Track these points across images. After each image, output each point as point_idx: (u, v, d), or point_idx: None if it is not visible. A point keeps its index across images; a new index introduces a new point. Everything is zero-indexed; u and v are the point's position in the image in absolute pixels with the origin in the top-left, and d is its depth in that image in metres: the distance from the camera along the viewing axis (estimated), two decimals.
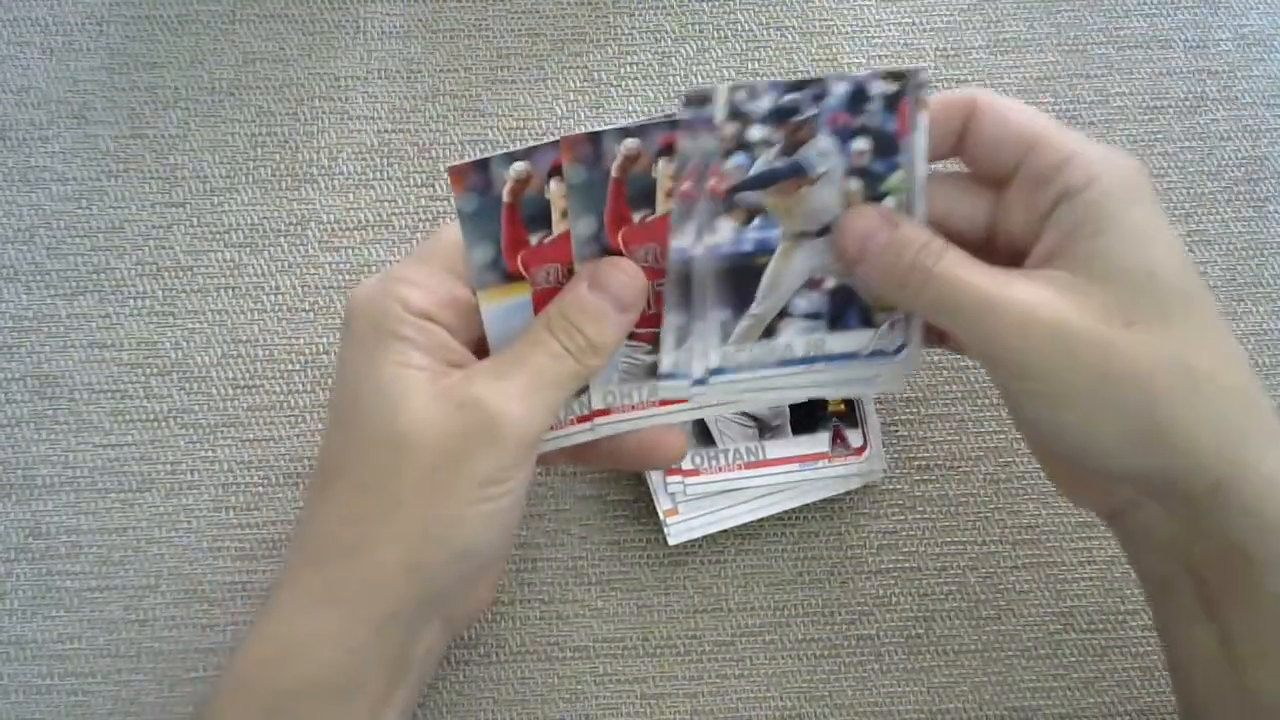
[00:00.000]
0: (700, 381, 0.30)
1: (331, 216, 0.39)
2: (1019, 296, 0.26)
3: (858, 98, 0.28)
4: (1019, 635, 0.36)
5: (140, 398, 0.37)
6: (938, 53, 0.42)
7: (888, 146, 0.29)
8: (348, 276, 0.39)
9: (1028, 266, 0.27)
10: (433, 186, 0.40)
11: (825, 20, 0.42)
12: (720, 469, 0.35)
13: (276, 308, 0.38)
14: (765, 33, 0.42)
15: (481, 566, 0.30)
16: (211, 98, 0.40)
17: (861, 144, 0.29)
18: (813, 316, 0.30)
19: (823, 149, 0.28)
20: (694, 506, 0.35)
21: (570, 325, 0.28)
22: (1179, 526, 0.27)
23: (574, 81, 0.41)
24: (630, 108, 0.41)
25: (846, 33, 0.42)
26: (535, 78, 0.41)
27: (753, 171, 0.28)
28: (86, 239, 0.39)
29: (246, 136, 0.40)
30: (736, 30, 0.42)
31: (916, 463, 0.37)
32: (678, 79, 0.41)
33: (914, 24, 0.42)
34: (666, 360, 0.30)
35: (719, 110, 0.27)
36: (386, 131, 0.40)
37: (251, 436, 0.37)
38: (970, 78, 0.41)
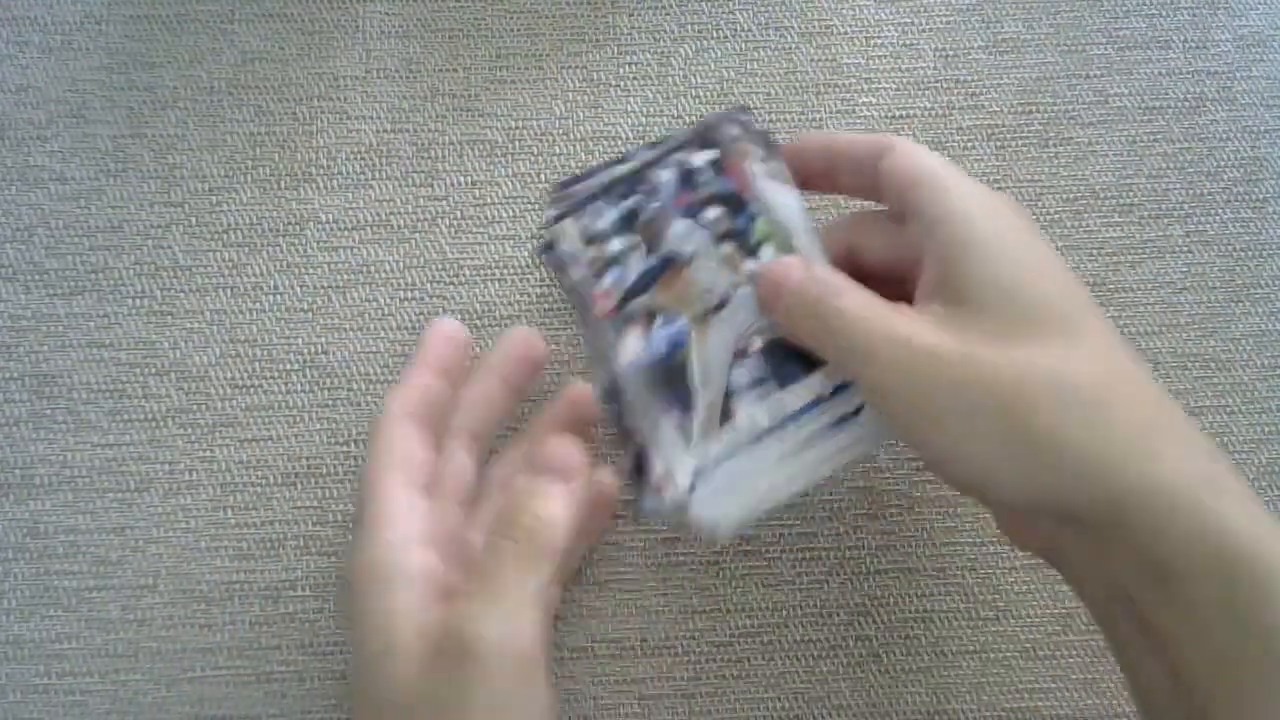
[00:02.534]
0: (692, 489, 0.28)
1: (330, 216, 0.39)
2: (900, 331, 0.26)
3: (687, 178, 0.29)
4: (1018, 636, 0.36)
5: (138, 397, 0.37)
6: (937, 53, 0.42)
7: (736, 204, 0.29)
8: (346, 276, 0.39)
9: (916, 300, 0.28)
10: (431, 186, 0.40)
11: (825, 20, 0.42)
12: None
13: (275, 307, 0.38)
14: (765, 33, 0.42)
15: None
16: (210, 97, 0.40)
17: (712, 212, 0.29)
18: (759, 382, 0.29)
19: (681, 232, 0.29)
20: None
21: (516, 512, 0.28)
22: (1098, 551, 0.26)
23: (573, 81, 0.41)
24: (629, 107, 0.41)
25: (846, 33, 0.42)
26: (534, 78, 0.41)
27: (630, 281, 0.29)
28: (85, 238, 0.39)
29: (245, 136, 0.40)
30: (736, 30, 0.42)
31: (915, 463, 0.37)
32: (677, 79, 0.41)
33: (913, 24, 0.42)
34: (646, 497, 0.29)
35: (574, 243, 0.28)
36: (385, 131, 0.40)
37: (250, 436, 0.37)
38: (970, 78, 0.41)
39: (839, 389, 0.29)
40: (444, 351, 0.33)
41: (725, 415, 0.28)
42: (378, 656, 0.27)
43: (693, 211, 0.29)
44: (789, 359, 0.29)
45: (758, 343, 0.29)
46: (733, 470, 0.28)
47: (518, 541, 0.27)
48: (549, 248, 0.29)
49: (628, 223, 0.29)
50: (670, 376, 0.29)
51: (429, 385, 0.32)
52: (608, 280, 0.29)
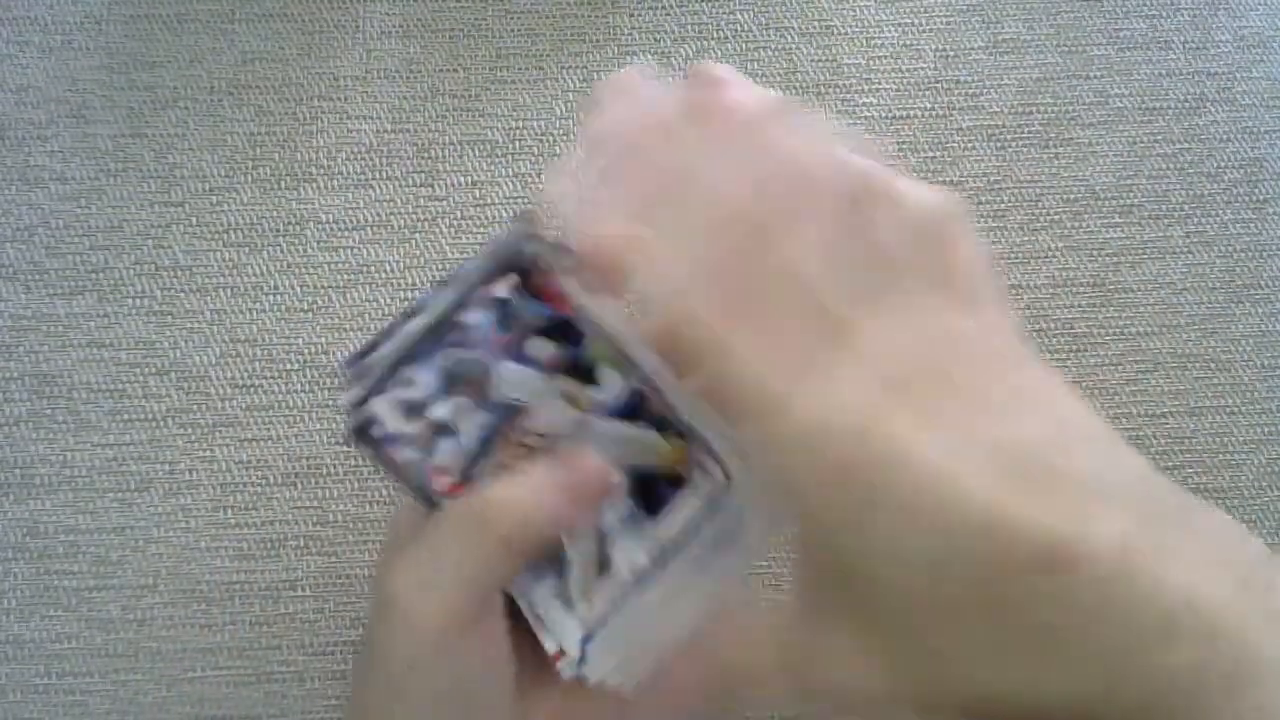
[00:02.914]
0: (582, 659, 0.25)
1: (330, 216, 0.39)
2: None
3: (501, 315, 0.25)
4: None
5: (139, 397, 0.37)
6: (937, 53, 0.42)
7: (561, 329, 0.26)
8: (346, 276, 0.39)
9: None
10: (431, 186, 0.40)
11: (825, 21, 0.42)
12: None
13: (275, 307, 0.38)
14: (765, 33, 0.42)
15: None
16: (210, 97, 0.40)
17: (537, 345, 0.26)
18: (630, 518, 0.25)
19: (511, 377, 0.25)
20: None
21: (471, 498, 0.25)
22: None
23: (573, 81, 0.41)
24: None
25: (846, 33, 0.42)
26: (534, 78, 0.41)
27: (471, 445, 0.25)
28: (85, 238, 0.39)
29: (245, 136, 0.40)
30: (736, 30, 0.42)
31: None
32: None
33: (913, 24, 0.42)
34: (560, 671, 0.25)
35: (391, 420, 0.25)
36: (385, 131, 0.40)
37: (250, 436, 0.37)
38: (970, 78, 0.41)
39: (712, 503, 0.25)
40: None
41: (603, 564, 0.25)
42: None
43: (513, 349, 0.25)
44: (653, 484, 0.25)
45: (616, 475, 0.25)
46: (623, 623, 0.25)
47: (461, 515, 0.25)
48: (361, 433, 0.25)
49: (448, 382, 0.25)
50: None
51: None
52: (443, 453, 0.25)
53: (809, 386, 0.21)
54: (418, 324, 0.25)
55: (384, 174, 0.40)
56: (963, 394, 0.21)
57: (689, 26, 0.42)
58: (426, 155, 0.40)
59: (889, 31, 0.42)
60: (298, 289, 0.39)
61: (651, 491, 0.26)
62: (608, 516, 0.25)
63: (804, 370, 0.21)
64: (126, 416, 0.37)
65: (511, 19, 0.42)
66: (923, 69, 0.42)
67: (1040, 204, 0.40)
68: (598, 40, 0.42)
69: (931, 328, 0.22)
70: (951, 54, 0.42)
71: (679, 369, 0.24)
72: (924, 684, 0.21)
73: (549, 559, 0.25)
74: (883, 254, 0.22)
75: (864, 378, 0.21)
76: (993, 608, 0.20)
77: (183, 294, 0.38)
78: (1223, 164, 0.41)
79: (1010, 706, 0.20)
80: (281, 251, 0.39)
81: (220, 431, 0.37)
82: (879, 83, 0.41)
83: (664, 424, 0.26)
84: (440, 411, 0.25)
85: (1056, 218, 0.40)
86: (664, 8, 0.42)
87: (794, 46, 0.42)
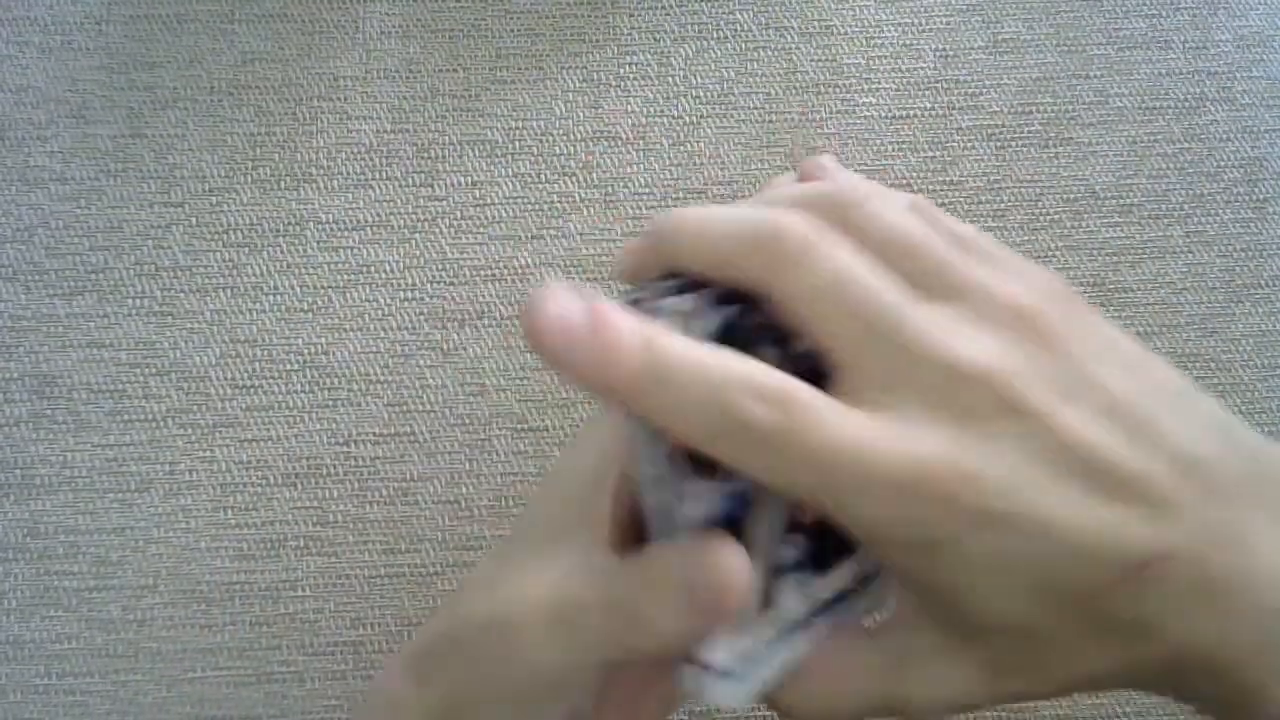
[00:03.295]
0: (714, 681, 0.24)
1: (330, 216, 0.39)
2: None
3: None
4: None
5: (138, 398, 0.37)
6: (937, 53, 0.42)
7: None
8: (346, 276, 0.39)
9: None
10: (431, 186, 0.40)
11: (825, 21, 0.42)
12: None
13: (275, 308, 0.38)
14: (765, 33, 0.42)
15: None
16: (210, 97, 0.40)
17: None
18: (799, 564, 0.24)
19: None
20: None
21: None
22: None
23: (573, 82, 0.41)
24: (629, 107, 0.41)
25: (846, 33, 0.42)
26: (534, 78, 0.41)
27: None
28: (85, 239, 0.39)
29: (245, 136, 0.40)
30: (736, 30, 0.42)
31: None
32: (677, 79, 0.41)
33: (913, 24, 0.42)
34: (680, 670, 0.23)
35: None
36: (385, 131, 0.40)
37: (250, 436, 0.37)
38: (970, 78, 0.41)
39: (871, 572, 0.24)
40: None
41: (767, 599, 0.24)
42: None
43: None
44: (830, 534, 0.24)
45: (809, 514, 0.24)
46: (760, 663, 0.24)
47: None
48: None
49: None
50: None
51: None
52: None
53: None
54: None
55: (384, 174, 0.40)
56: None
57: (689, 26, 0.42)
58: (426, 155, 0.40)
59: (889, 31, 0.42)
60: (298, 289, 0.39)
61: (825, 542, 0.24)
62: (786, 553, 0.24)
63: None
64: (126, 417, 0.37)
65: (511, 19, 0.42)
66: (923, 69, 0.42)
67: (1040, 204, 0.40)
68: (598, 40, 0.42)
69: None
70: (951, 54, 0.42)
71: None
72: (1027, 683, 0.22)
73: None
74: None
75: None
76: (1093, 619, 0.20)
77: (183, 294, 0.38)
78: (1223, 164, 0.41)
79: (1109, 680, 0.21)
80: (281, 251, 0.39)
81: (220, 432, 0.37)
82: (879, 83, 0.41)
83: None
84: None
85: (1056, 218, 0.40)
86: (664, 8, 0.42)
87: (794, 46, 0.42)
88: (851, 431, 0.19)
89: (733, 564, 0.21)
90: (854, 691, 0.23)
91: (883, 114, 0.41)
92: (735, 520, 0.23)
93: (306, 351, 0.38)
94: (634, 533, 0.24)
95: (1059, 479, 0.20)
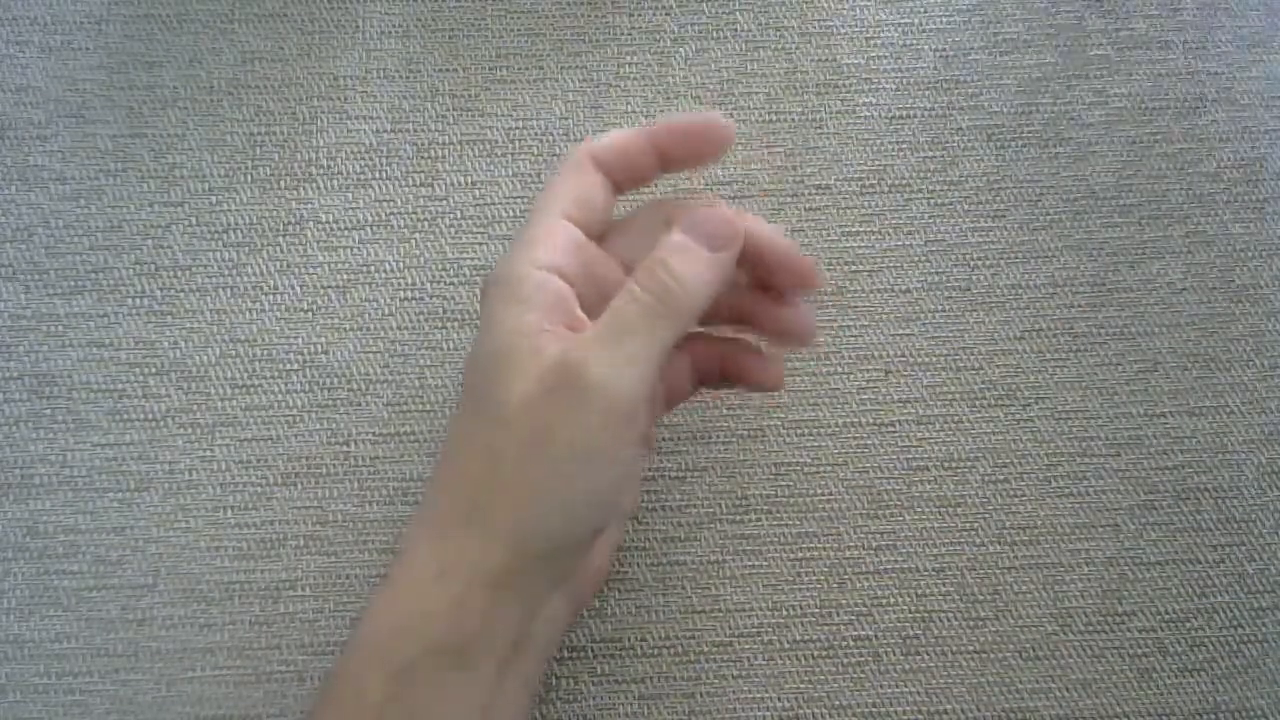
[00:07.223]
0: None
1: (330, 216, 0.39)
2: None
3: None
4: (1016, 636, 0.36)
5: (138, 397, 0.37)
6: (937, 53, 0.42)
7: None
8: (346, 276, 0.39)
9: None
10: (431, 186, 0.40)
11: (825, 21, 0.42)
12: None
13: (275, 307, 0.38)
14: (765, 33, 0.42)
15: (587, 536, 0.29)
16: (210, 97, 0.40)
17: None
18: None
19: None
20: None
21: (654, 264, 0.27)
22: None
23: (573, 81, 0.41)
24: (629, 107, 0.41)
25: (846, 33, 0.42)
26: (534, 78, 0.41)
27: None
28: (84, 238, 0.39)
29: (245, 136, 0.40)
30: (736, 30, 0.42)
31: (914, 463, 0.37)
32: (677, 79, 0.41)
33: (913, 24, 0.42)
34: None
35: None
36: (385, 131, 0.40)
37: (250, 436, 0.37)
38: (970, 78, 0.41)
39: None
40: (681, 139, 0.30)
41: None
42: (491, 365, 0.27)
43: None
44: None
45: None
46: None
47: (651, 295, 0.27)
48: None
49: None
50: None
51: (635, 145, 0.30)
52: None
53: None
54: None
55: (384, 174, 0.40)
56: None
57: (689, 26, 0.42)
58: (426, 155, 0.40)
59: (889, 31, 0.42)
60: (297, 289, 0.39)
61: None
62: None
63: None
64: (126, 416, 0.37)
65: (511, 19, 0.42)
66: (923, 69, 0.42)
67: (1040, 204, 0.40)
68: (598, 40, 0.42)
69: None
70: (951, 54, 0.42)
71: None
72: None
73: None
74: None
75: None
76: None
77: (183, 294, 0.38)
78: (1222, 164, 0.41)
79: None
80: (281, 251, 0.39)
81: (220, 431, 0.37)
82: (879, 83, 0.41)
83: None
84: None
85: (1056, 217, 0.40)
86: (664, 8, 0.42)
87: (794, 46, 0.42)
88: None
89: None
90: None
91: (883, 114, 0.41)
92: None
93: (306, 351, 0.38)
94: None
95: None
